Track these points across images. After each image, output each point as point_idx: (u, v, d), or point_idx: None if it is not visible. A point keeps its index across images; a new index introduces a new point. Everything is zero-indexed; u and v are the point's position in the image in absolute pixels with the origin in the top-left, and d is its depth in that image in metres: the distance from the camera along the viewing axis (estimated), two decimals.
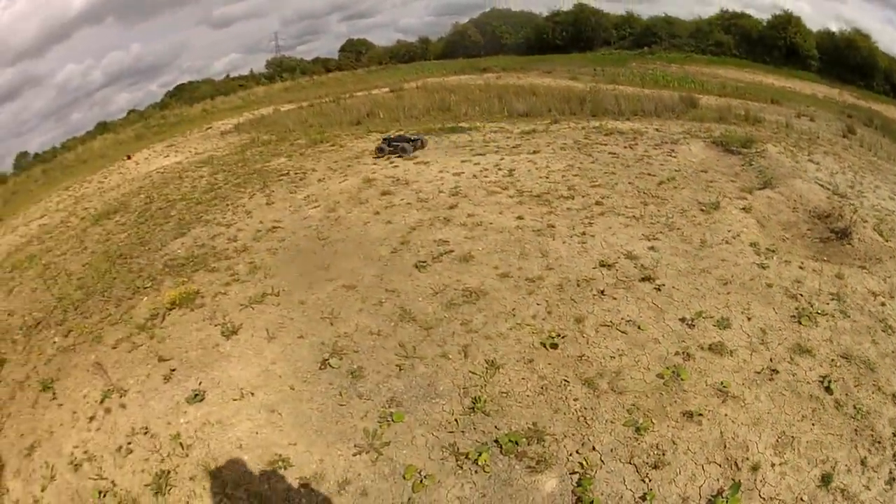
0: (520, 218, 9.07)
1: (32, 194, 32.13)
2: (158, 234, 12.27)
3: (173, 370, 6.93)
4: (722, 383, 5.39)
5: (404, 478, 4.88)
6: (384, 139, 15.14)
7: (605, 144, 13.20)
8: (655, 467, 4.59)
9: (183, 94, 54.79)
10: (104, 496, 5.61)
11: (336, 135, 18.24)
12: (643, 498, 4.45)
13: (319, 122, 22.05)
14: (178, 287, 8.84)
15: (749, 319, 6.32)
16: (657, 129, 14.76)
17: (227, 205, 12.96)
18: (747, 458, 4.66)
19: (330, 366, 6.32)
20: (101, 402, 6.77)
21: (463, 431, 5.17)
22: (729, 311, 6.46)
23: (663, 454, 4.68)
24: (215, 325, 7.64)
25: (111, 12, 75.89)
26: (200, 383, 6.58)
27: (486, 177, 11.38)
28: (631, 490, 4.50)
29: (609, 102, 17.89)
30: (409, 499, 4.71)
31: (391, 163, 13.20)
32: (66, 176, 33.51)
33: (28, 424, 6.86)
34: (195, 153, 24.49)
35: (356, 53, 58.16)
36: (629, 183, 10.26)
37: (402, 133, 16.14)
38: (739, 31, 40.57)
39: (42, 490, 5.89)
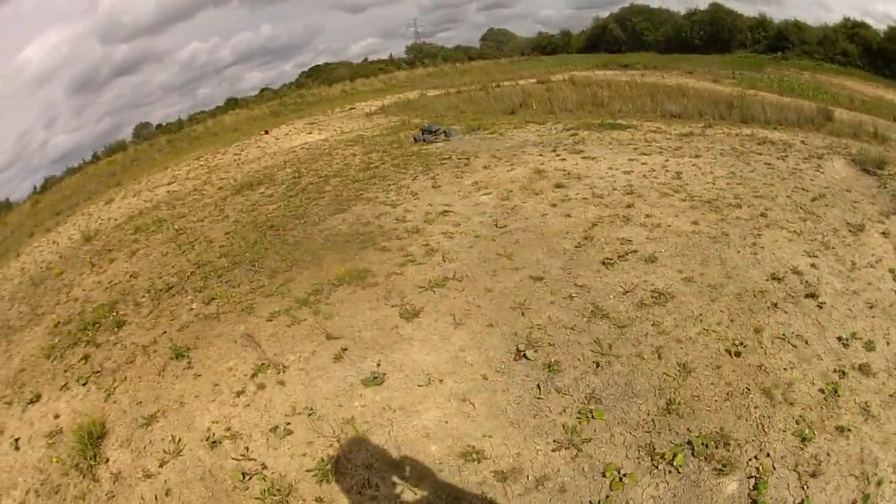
0: (695, 223, 9.97)
1: (156, 162, 36.03)
2: (314, 209, 13.34)
3: (345, 349, 7.40)
4: (866, 403, 6.16)
5: (603, 475, 5.38)
6: (422, 129, 19.62)
7: (760, 154, 14.35)
8: (813, 476, 5.36)
9: (319, 74, 61.23)
10: (248, 479, 5.87)
11: (492, 123, 19.64)
12: None
13: (472, 110, 24.27)
14: (344, 263, 9.27)
15: (888, 344, 7.11)
16: (803, 142, 16.01)
17: (389, 185, 14.02)
18: (875, 474, 5.40)
19: (526, 357, 6.84)
20: (253, 376, 7.23)
21: (659, 432, 5.78)
22: (874, 334, 7.23)
23: (819, 464, 5.47)
24: (392, 307, 8.17)
25: None
26: (379, 365, 6.99)
27: (655, 177, 12.41)
28: (793, 496, 5.21)
29: (756, 109, 19.81)
30: (607, 496, 5.20)
31: (558, 155, 14.27)
32: (195, 147, 36.86)
33: (150, 392, 7.39)
34: (341, 132, 26.74)
35: (497, 43, 64.40)
36: (787, 196, 11.25)
37: (431, 124, 20.04)
38: (861, 41, 46.06)
39: (161, 465, 6.21)
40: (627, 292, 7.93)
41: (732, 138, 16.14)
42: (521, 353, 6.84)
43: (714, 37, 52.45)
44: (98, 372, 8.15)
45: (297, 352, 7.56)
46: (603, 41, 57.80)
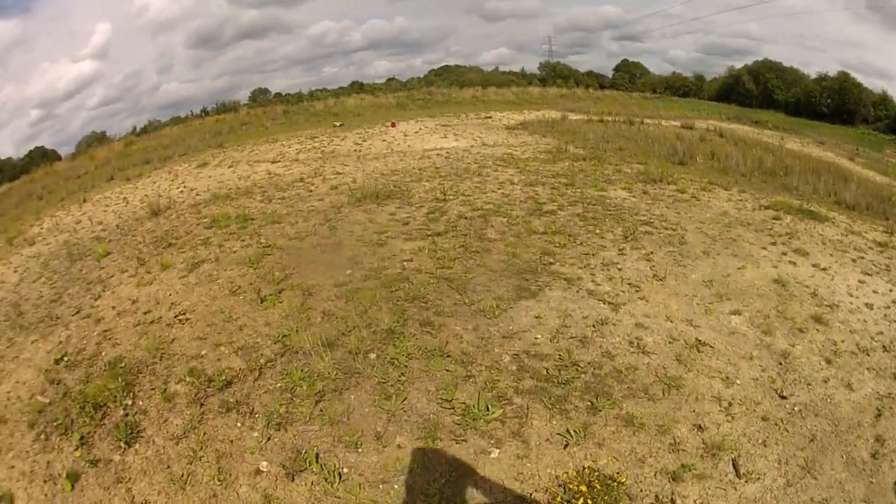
0: None
1: (266, 131, 33.50)
2: (479, 273, 9.08)
3: None
4: None
5: None
6: None
7: None
8: None
9: (449, 75, 59.65)
10: None
11: (668, 174, 15.78)
12: None
13: (631, 149, 21.20)
14: (568, 449, 5.62)
15: None
16: None
17: (587, 254, 9.97)
18: None
19: None
20: None
21: None
22: None
23: None
24: None
25: None
26: None
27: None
28: None
29: None
30: None
31: (783, 253, 10.87)
32: (312, 124, 34.06)
33: None
34: (482, 143, 22.55)
35: (630, 76, 62.68)
36: None
37: None
38: None
39: None
40: None
41: None
42: None
43: (840, 107, 49.69)
44: None
45: None
46: (735, 92, 55.15)
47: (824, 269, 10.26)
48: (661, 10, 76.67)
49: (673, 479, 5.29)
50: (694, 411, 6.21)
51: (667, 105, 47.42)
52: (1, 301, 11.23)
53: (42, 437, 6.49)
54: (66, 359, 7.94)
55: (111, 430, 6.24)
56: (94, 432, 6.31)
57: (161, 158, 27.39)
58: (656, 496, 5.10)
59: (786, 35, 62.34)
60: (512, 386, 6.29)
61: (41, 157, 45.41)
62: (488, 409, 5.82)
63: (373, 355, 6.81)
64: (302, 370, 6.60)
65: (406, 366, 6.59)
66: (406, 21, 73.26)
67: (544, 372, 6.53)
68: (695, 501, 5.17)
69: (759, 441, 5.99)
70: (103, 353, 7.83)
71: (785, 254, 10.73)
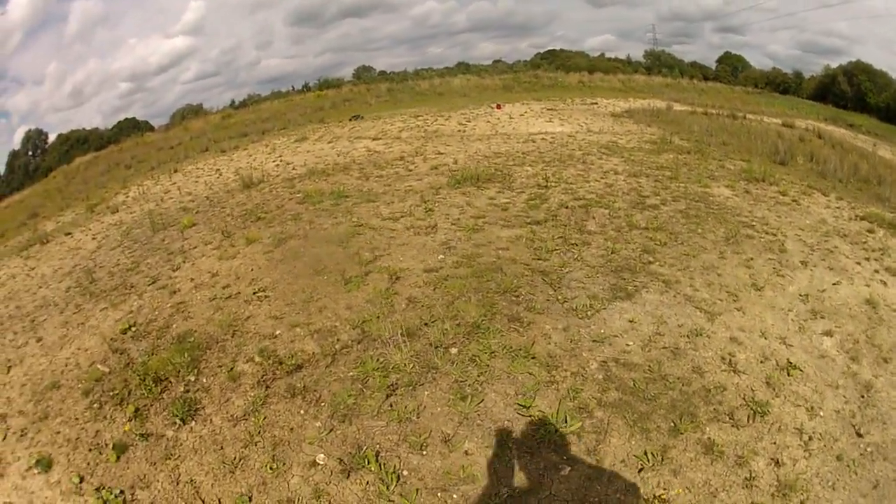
0: None
1: (369, 108, 33.86)
2: (575, 268, 8.53)
3: None
4: None
5: None
6: None
7: None
8: None
9: (555, 59, 59.22)
10: None
11: (769, 174, 14.74)
12: None
13: (734, 144, 20.40)
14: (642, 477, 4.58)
15: None
16: None
17: (688, 256, 9.27)
18: None
19: None
20: None
21: None
22: None
23: None
24: None
25: None
26: None
27: None
28: None
29: None
30: None
31: (876, 271, 9.94)
32: (416, 102, 34.33)
33: None
34: (588, 129, 22.00)
35: (732, 68, 62.10)
36: None
37: None
38: None
39: None
40: None
41: None
42: None
43: None
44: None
45: None
46: (830, 92, 53.56)
47: None
48: (759, 3, 74.33)
49: None
50: (774, 443, 5.67)
51: (768, 101, 46.71)
52: (74, 268, 11.38)
53: (95, 405, 6.33)
54: (133, 329, 7.83)
55: (168, 404, 6.01)
56: (151, 406, 6.10)
57: (259, 132, 27.80)
58: None
59: (874, 37, 59.49)
60: (595, 397, 5.68)
61: (132, 127, 47.52)
62: (566, 421, 5.23)
63: (454, 350, 6.29)
64: (377, 360, 6.16)
65: (488, 365, 6.02)
66: (512, 4, 73.36)
67: (631, 384, 5.89)
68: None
69: (829, 484, 5.46)
70: (174, 326, 7.66)
71: (877, 272, 9.96)
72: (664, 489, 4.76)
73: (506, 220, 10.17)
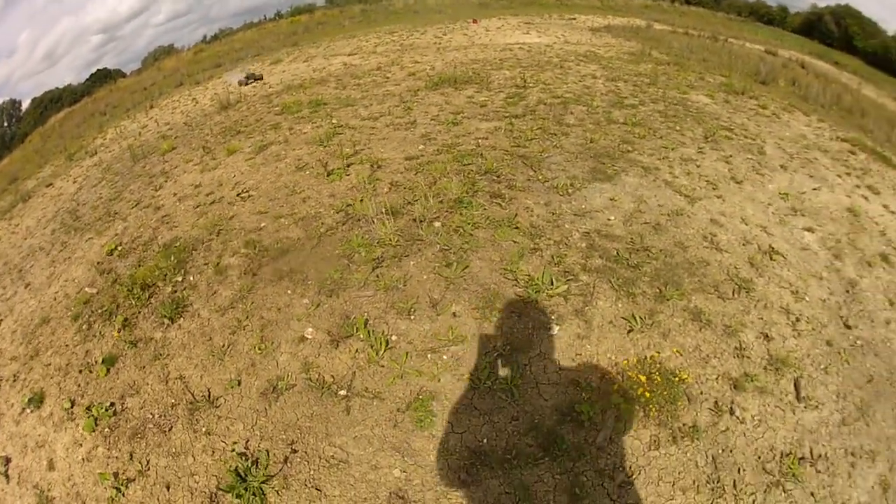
0: None
1: (343, 29, 33.57)
2: (554, 154, 8.50)
3: None
4: None
5: None
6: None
7: None
8: None
9: None
10: None
11: (748, 88, 14.81)
12: None
13: (715, 62, 20.53)
14: (632, 337, 5.16)
15: None
16: None
17: (665, 148, 9.37)
18: None
19: None
20: None
21: None
22: None
23: None
24: None
25: None
26: None
27: None
28: None
29: None
30: None
31: (864, 194, 9.98)
32: (391, 21, 33.85)
33: None
34: (566, 41, 21.82)
35: None
36: None
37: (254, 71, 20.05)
38: None
39: None
40: None
41: None
42: None
43: None
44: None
45: None
46: (816, 29, 54.89)
47: (893, 213, 9.62)
48: None
49: (734, 388, 4.93)
50: (762, 318, 5.84)
51: (751, 29, 47.48)
52: (58, 212, 11.33)
53: (84, 326, 6.38)
54: (119, 248, 7.84)
55: (156, 308, 6.04)
56: (139, 313, 6.14)
57: (233, 60, 27.59)
58: (716, 402, 4.75)
59: None
60: (580, 263, 5.78)
61: (104, 78, 46.71)
62: (552, 283, 5.31)
63: (437, 223, 6.34)
64: (362, 237, 6.22)
65: (471, 234, 6.08)
66: None
67: (614, 253, 6.01)
68: (753, 416, 4.82)
69: (822, 366, 5.67)
70: (159, 238, 7.67)
71: (858, 187, 10.16)
72: (656, 350, 4.90)
73: (484, 115, 10.10)
